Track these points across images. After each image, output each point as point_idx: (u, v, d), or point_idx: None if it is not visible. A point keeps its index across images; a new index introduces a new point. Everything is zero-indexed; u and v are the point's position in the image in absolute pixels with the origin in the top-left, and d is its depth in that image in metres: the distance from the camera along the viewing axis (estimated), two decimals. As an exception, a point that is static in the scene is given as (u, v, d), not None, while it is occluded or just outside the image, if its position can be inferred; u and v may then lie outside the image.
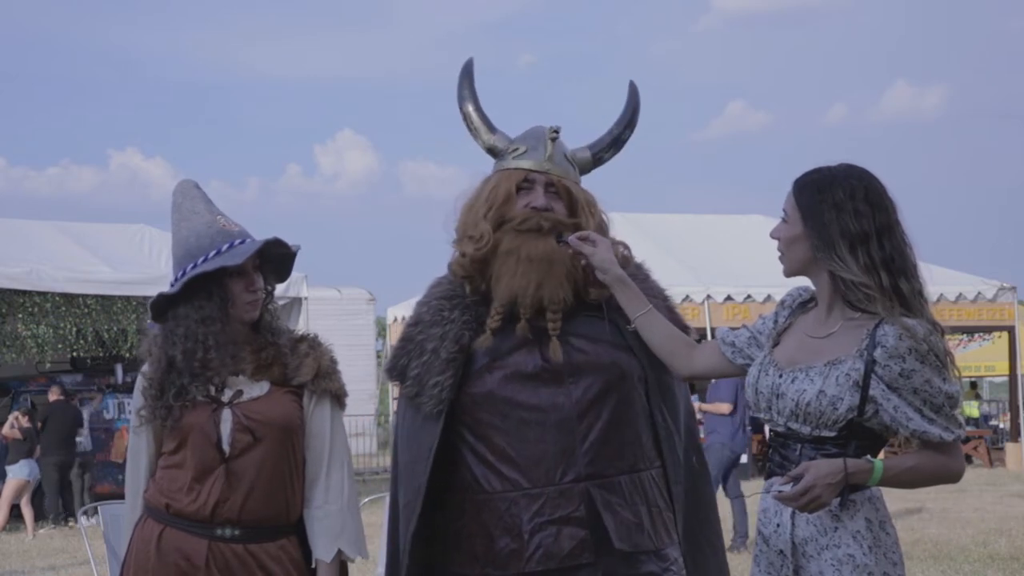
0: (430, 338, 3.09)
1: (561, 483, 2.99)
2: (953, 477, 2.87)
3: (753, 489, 3.18)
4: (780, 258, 2.88)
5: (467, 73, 3.30)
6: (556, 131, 3.18)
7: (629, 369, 3.07)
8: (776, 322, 2.99)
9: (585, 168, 3.26)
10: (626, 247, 3.17)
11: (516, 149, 3.16)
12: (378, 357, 24.88)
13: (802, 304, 2.98)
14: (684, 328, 3.13)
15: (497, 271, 3.04)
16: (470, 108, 3.25)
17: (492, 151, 3.22)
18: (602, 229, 3.16)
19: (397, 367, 3.16)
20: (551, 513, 2.98)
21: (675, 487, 3.11)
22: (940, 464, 2.81)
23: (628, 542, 2.99)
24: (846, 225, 2.76)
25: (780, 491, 2.74)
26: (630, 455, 3.05)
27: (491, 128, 3.23)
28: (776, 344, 2.95)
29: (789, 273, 2.90)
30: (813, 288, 2.96)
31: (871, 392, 2.73)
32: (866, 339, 2.76)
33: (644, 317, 3.07)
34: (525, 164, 3.13)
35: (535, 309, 3.03)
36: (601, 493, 2.99)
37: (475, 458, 3.07)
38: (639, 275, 3.17)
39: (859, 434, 2.78)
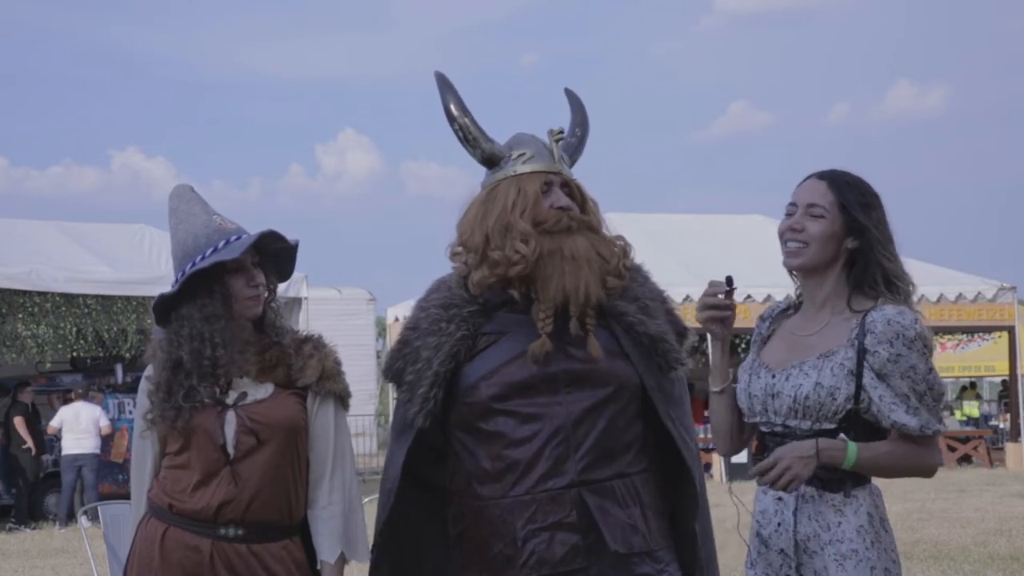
0: (426, 346, 3.08)
1: (553, 489, 2.99)
2: (927, 470, 2.91)
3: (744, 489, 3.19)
4: (801, 249, 2.91)
5: (449, 84, 3.24)
6: (561, 132, 3.19)
7: (627, 379, 3.06)
8: (760, 333, 3.03)
9: None
10: (623, 240, 3.18)
11: (523, 154, 3.14)
12: (378, 357, 24.87)
13: (781, 312, 3.04)
14: (683, 330, 3.13)
15: (544, 273, 3.02)
16: (465, 120, 3.19)
17: (490, 160, 3.20)
18: (604, 226, 3.18)
19: (393, 369, 3.17)
20: (543, 519, 2.98)
21: (698, 486, 3.10)
22: (915, 454, 2.85)
23: (624, 544, 2.99)
24: (883, 224, 2.91)
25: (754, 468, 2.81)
26: (624, 461, 3.05)
27: (487, 137, 3.21)
28: (761, 349, 2.99)
29: (808, 267, 2.92)
30: (785, 300, 3.07)
31: (863, 381, 2.77)
32: (856, 328, 2.82)
33: (719, 394, 3.11)
34: (540, 167, 3.13)
35: (584, 305, 3.04)
36: (593, 497, 2.99)
37: (472, 465, 3.08)
38: (638, 277, 3.17)
39: (858, 426, 2.80)
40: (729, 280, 3.02)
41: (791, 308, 3.04)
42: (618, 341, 3.08)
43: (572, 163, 3.27)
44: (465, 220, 3.15)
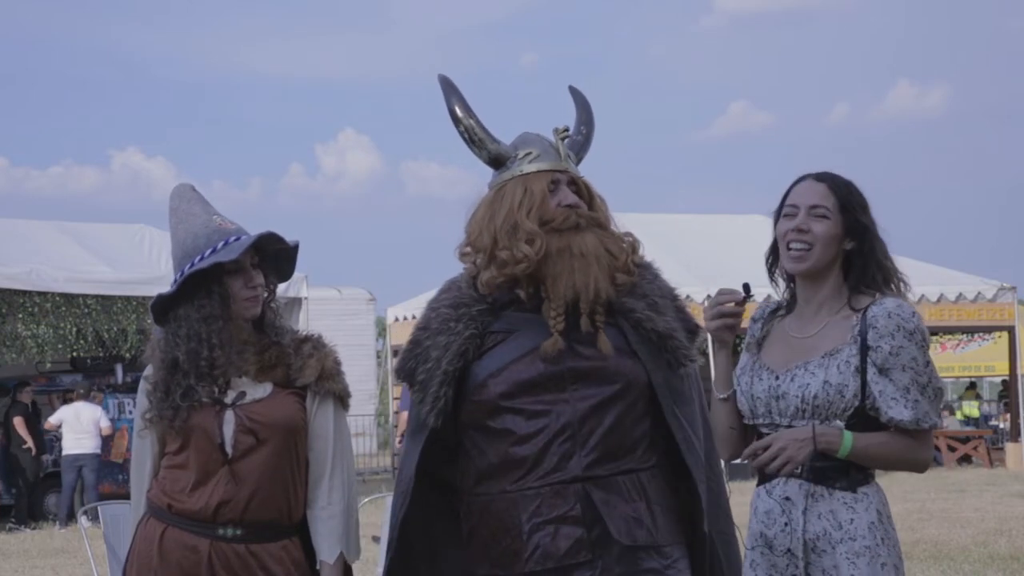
0: (435, 346, 3.10)
1: (557, 483, 3.00)
2: (919, 465, 2.94)
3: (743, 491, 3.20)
4: (806, 253, 2.91)
5: (453, 87, 3.26)
6: (567, 130, 3.21)
7: (635, 377, 3.07)
8: (753, 335, 3.03)
9: None
10: (632, 236, 3.19)
11: (529, 153, 3.16)
12: (378, 357, 24.87)
13: (772, 312, 3.04)
14: (694, 327, 3.13)
15: (553, 271, 3.03)
16: (471, 122, 3.21)
17: (497, 160, 3.21)
18: (611, 221, 3.19)
19: (405, 369, 3.18)
20: (547, 513, 3.00)
21: (700, 486, 3.11)
22: (908, 447, 2.86)
23: (628, 536, 2.99)
24: (876, 225, 2.94)
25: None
26: (631, 459, 3.06)
27: (493, 138, 3.23)
28: (759, 351, 2.99)
29: (810, 270, 2.93)
30: (775, 300, 3.08)
31: (867, 376, 2.79)
32: (858, 324, 2.84)
33: (724, 400, 3.10)
34: (546, 165, 3.14)
35: (594, 302, 3.04)
36: (598, 492, 3.00)
37: (480, 463, 3.10)
38: (647, 275, 3.17)
39: (866, 423, 2.81)
40: (747, 288, 3.00)
41: (781, 308, 3.04)
42: (626, 338, 3.08)
43: (578, 161, 3.29)
44: (473, 221, 3.16)
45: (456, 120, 3.21)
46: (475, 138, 3.20)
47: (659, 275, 3.21)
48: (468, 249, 3.16)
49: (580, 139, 3.31)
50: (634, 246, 3.16)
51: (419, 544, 3.18)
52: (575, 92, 3.42)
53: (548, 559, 2.98)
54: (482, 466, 3.08)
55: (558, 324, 3.02)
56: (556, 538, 2.98)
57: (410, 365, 3.16)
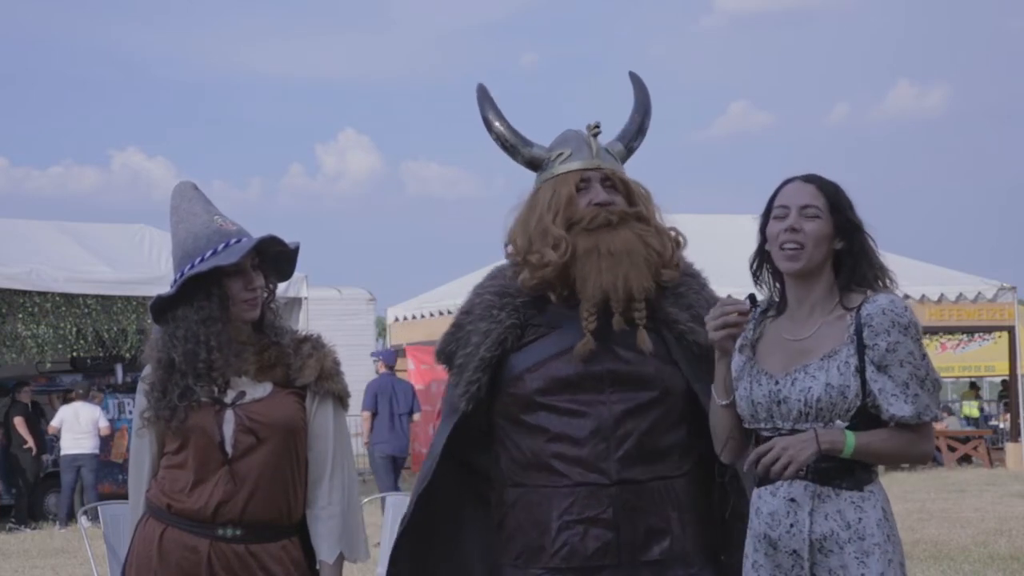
0: (476, 331, 3.13)
1: (592, 484, 3.01)
2: (921, 457, 2.95)
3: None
4: (798, 253, 2.90)
5: (486, 95, 3.32)
6: (598, 126, 3.22)
7: (673, 384, 3.08)
8: (746, 336, 3.04)
9: (622, 159, 3.29)
10: (676, 230, 3.18)
11: (561, 154, 3.18)
12: (378, 357, 24.81)
13: (761, 313, 3.05)
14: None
15: (582, 272, 3.05)
16: (502, 128, 3.26)
17: (533, 163, 3.24)
18: (657, 216, 3.19)
19: (445, 352, 3.22)
20: (579, 512, 3.02)
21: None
22: (910, 441, 2.87)
23: (643, 550, 3.00)
24: (863, 224, 2.95)
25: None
26: (667, 464, 3.07)
27: (526, 142, 3.25)
28: (754, 354, 2.99)
29: (803, 270, 2.94)
30: (763, 300, 3.07)
31: (866, 375, 2.81)
32: (852, 324, 2.85)
33: (726, 407, 3.07)
34: (576, 165, 3.15)
35: (627, 301, 3.04)
36: (630, 498, 3.01)
37: (515, 453, 3.12)
38: (694, 285, 3.18)
39: (867, 420, 2.82)
40: (753, 299, 3.00)
41: (771, 309, 3.05)
42: (667, 347, 3.09)
43: (630, 151, 3.30)
44: (514, 223, 3.20)
45: (489, 127, 3.28)
46: (507, 144, 3.25)
47: (706, 285, 3.23)
48: (510, 249, 3.20)
49: (633, 128, 3.34)
50: (679, 241, 3.18)
51: (441, 522, 3.20)
52: (633, 77, 3.43)
53: (575, 557, 3.01)
54: (518, 459, 3.10)
55: (590, 324, 3.03)
56: (585, 538, 3.01)
57: (450, 348, 3.19)
